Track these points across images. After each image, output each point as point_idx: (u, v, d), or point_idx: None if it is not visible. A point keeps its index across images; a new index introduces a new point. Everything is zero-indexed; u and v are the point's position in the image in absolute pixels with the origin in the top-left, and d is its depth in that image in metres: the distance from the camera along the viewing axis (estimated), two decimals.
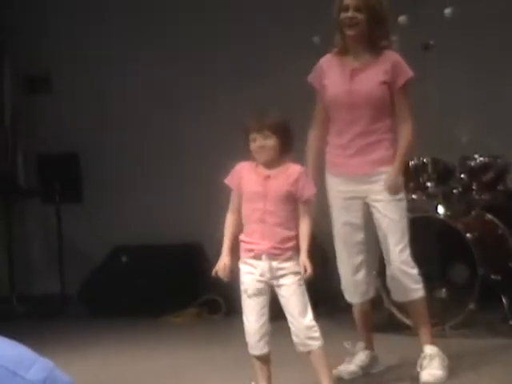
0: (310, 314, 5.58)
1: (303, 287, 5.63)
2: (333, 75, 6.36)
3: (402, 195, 6.35)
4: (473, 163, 8.13)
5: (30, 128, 10.62)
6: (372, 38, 6.31)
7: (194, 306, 9.26)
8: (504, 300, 7.61)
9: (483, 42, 8.91)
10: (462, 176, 8.12)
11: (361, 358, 6.46)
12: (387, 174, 6.21)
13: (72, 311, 9.58)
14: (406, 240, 6.26)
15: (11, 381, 0.96)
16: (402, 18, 7.31)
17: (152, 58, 10.56)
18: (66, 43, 10.77)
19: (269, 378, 5.72)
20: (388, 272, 6.35)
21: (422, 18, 7.96)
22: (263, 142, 5.62)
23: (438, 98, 7.78)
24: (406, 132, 6.23)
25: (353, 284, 6.40)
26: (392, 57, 6.33)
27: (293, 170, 5.70)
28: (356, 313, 6.52)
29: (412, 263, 6.25)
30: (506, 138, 8.52)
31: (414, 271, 6.24)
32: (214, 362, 7.18)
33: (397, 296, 6.49)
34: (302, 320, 5.59)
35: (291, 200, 5.69)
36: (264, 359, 5.71)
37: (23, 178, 10.56)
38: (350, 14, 6.19)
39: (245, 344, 5.86)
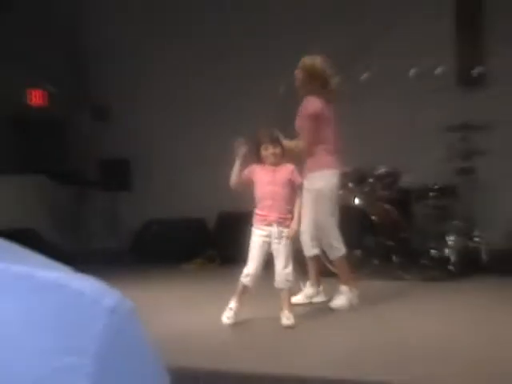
0: (290, 266, 5.77)
1: (290, 247, 5.83)
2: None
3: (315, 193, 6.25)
4: (378, 171, 8.25)
5: (98, 141, 10.55)
6: (304, 87, 6.29)
7: (200, 258, 9.42)
8: (395, 258, 7.84)
9: (393, 91, 8.86)
10: (371, 180, 8.23)
11: (308, 291, 6.58)
12: None
13: (123, 259, 9.62)
14: (330, 221, 6.28)
15: (90, 308, 0.70)
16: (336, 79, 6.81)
17: (190, 73, 10.11)
18: (122, 61, 10.41)
19: (240, 301, 5.82)
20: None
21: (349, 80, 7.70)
22: (274, 150, 5.85)
23: (357, 129, 7.82)
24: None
25: (309, 243, 6.43)
26: (306, 100, 6.26)
27: (289, 166, 5.91)
28: (309, 262, 6.56)
29: (335, 238, 6.30)
30: (401, 156, 8.42)
31: (336, 244, 6.30)
32: (211, 291, 7.29)
33: (328, 255, 6.54)
34: (285, 268, 5.76)
35: (290, 185, 5.86)
36: (246, 288, 5.82)
37: (93, 175, 10.56)
38: (296, 71, 6.34)
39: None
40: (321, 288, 6.63)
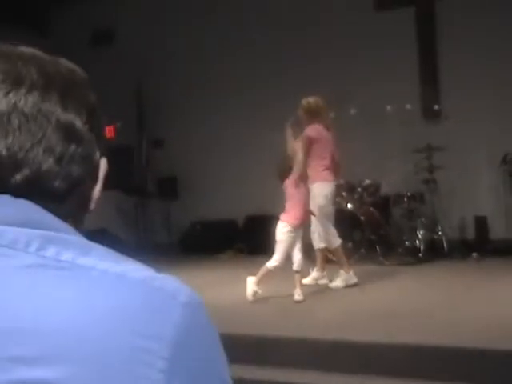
0: (300, 255, 5.65)
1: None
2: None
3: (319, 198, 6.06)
4: (364, 183, 8.13)
5: (154, 164, 10.37)
6: (307, 121, 6.02)
7: (231, 249, 9.29)
8: (378, 248, 7.68)
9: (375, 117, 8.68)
10: (359, 189, 8.12)
11: (314, 275, 6.47)
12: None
13: (174, 251, 9.42)
14: (326, 221, 6.10)
15: (168, 302, 0.67)
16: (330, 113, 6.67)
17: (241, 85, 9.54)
18: (175, 118, 10.04)
19: (262, 282, 5.60)
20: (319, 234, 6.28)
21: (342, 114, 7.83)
22: None
23: (349, 151, 7.78)
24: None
25: (318, 239, 6.33)
26: (307, 128, 6.02)
27: None
28: (317, 253, 6.45)
29: (332, 232, 6.13)
30: (381, 171, 8.30)
31: (333, 236, 6.17)
32: (239, 274, 6.68)
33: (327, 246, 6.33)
34: (299, 255, 5.65)
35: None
36: (273, 272, 5.63)
37: (150, 188, 10.41)
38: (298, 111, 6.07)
39: (256, 268, 5.75)
40: (325, 273, 6.52)
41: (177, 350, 0.66)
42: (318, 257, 6.51)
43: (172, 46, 10.09)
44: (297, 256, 5.67)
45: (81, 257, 0.68)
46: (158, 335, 0.66)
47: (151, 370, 0.64)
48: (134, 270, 0.70)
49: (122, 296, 0.67)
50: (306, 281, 6.32)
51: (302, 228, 5.76)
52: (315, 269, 6.55)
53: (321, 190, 6.05)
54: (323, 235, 6.21)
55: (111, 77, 9.99)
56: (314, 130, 6.10)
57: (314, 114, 6.10)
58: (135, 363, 0.64)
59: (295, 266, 5.66)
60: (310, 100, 6.16)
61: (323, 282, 6.46)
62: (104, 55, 10.31)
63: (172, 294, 0.69)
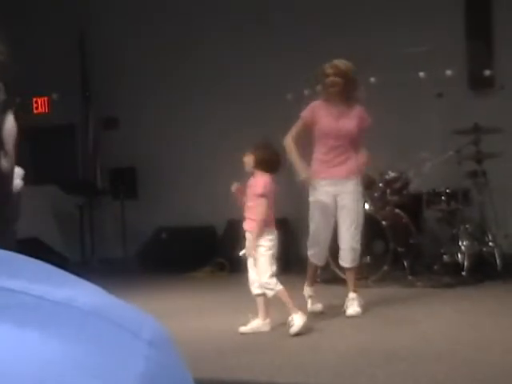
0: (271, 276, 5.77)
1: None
2: (324, 116, 6.31)
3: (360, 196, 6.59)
4: (387, 177, 8.16)
5: (105, 150, 10.53)
6: (346, 92, 6.33)
7: (208, 266, 9.26)
8: (405, 264, 7.72)
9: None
10: (381, 185, 8.13)
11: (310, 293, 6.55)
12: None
13: (131, 268, 9.55)
14: (356, 224, 6.39)
15: (129, 343, 0.66)
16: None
17: (196, 82, 9.98)
18: (134, 87, 10.38)
19: (267, 311, 5.81)
20: (342, 246, 6.41)
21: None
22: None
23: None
24: (363, 155, 6.42)
25: (322, 250, 6.45)
26: (360, 110, 6.40)
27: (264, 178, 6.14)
28: (311, 269, 6.57)
29: (358, 238, 6.43)
30: (408, 160, 8.25)
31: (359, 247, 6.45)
32: (220, 300, 7.24)
33: (345, 263, 6.48)
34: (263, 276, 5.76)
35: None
36: (266, 297, 5.76)
37: (100, 183, 10.56)
38: (331, 78, 6.28)
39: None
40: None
41: None
42: (315, 273, 6.70)
43: None
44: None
45: (5, 278, 0.67)
46: None
47: None
48: (82, 294, 0.69)
49: (64, 334, 0.65)
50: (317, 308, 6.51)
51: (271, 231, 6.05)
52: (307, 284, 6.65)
53: (361, 188, 6.60)
54: (357, 247, 6.46)
55: (47, 32, 9.94)
56: None
57: (350, 85, 6.39)
58: None
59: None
60: (343, 66, 6.39)
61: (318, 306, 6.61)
62: (38, 1, 10.53)
63: (133, 330, 0.68)
